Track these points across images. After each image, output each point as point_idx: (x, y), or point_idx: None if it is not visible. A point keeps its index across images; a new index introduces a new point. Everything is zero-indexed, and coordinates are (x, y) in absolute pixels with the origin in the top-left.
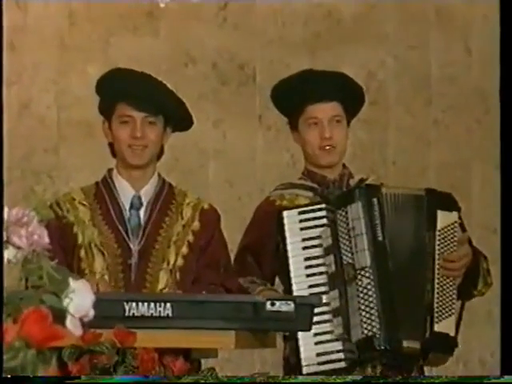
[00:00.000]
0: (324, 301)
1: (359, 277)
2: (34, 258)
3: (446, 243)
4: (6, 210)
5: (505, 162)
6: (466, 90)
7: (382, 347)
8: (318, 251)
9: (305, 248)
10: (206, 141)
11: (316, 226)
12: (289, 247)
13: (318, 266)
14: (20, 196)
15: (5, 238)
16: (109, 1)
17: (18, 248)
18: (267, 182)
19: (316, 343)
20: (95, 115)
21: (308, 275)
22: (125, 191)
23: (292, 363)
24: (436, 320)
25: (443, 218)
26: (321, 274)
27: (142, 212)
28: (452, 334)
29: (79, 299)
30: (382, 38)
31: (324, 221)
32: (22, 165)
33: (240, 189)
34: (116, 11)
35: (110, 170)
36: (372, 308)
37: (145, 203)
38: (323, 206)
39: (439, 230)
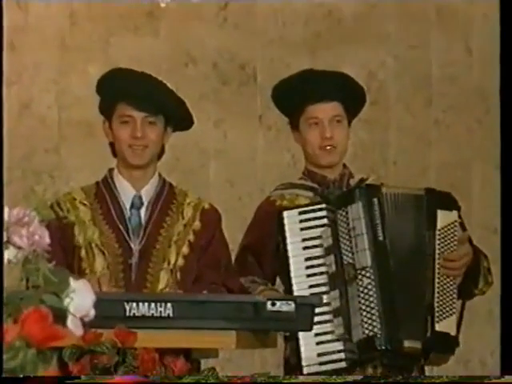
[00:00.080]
0: (325, 301)
1: (360, 277)
2: (33, 259)
3: (446, 242)
4: (6, 210)
5: (505, 162)
6: (467, 90)
7: (383, 347)
8: (318, 251)
9: (305, 248)
10: (206, 141)
11: (316, 226)
12: (289, 247)
13: (318, 266)
14: (20, 196)
15: (5, 238)
16: (109, 1)
17: (19, 248)
18: (268, 182)
19: (317, 343)
20: (96, 115)
21: (308, 275)
22: (125, 191)
23: (293, 363)
24: (437, 319)
25: (443, 218)
26: (321, 274)
27: (142, 212)
28: (453, 333)
29: (80, 299)
30: (383, 38)
31: (324, 221)
32: (22, 165)
33: (240, 189)
34: (116, 11)
35: (110, 170)
36: (373, 308)
37: (145, 203)
38: (323, 206)
39: (439, 230)
